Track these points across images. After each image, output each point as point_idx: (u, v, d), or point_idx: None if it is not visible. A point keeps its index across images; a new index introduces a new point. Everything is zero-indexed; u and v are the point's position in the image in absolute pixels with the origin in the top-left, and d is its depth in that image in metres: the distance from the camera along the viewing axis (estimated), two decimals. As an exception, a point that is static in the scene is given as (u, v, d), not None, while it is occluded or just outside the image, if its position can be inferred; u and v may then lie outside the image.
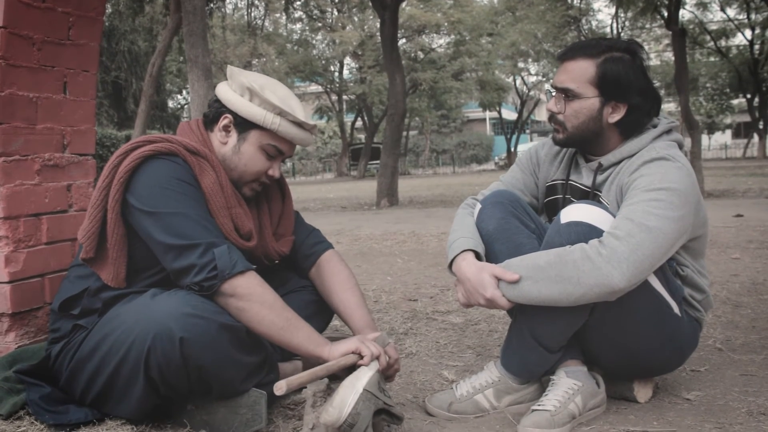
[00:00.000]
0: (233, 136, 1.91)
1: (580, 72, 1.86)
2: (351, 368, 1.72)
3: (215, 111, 1.92)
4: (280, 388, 1.58)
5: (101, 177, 1.79)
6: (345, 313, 2.01)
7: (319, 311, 2.11)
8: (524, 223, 1.92)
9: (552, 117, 1.94)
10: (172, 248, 1.70)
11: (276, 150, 1.92)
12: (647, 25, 23.97)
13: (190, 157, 1.81)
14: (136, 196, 1.74)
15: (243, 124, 1.89)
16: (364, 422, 1.59)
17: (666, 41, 25.26)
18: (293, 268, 2.15)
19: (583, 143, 1.94)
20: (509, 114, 39.80)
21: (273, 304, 1.73)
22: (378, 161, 17.41)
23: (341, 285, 2.05)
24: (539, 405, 1.78)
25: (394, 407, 1.72)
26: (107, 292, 1.80)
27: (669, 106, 34.33)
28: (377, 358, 1.74)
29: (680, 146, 1.89)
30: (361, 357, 1.73)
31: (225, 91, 1.91)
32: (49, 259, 2.18)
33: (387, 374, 1.84)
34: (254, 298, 1.71)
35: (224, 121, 1.90)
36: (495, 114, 37.49)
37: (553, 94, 1.92)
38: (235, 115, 1.89)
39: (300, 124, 1.90)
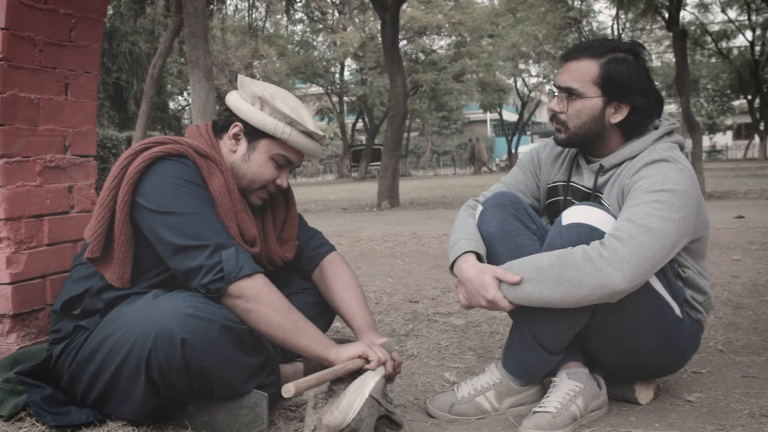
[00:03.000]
0: (243, 144, 1.91)
1: (584, 72, 1.87)
2: (355, 371, 1.72)
3: (225, 119, 1.93)
4: (288, 390, 1.57)
5: (109, 177, 1.79)
6: (347, 314, 2.00)
7: (322, 313, 2.11)
8: (525, 224, 1.92)
9: (554, 117, 1.94)
10: (180, 249, 1.70)
11: (285, 160, 1.93)
12: (648, 27, 23.97)
13: (200, 160, 1.82)
14: (145, 196, 1.74)
15: (253, 133, 1.90)
16: (367, 429, 1.59)
17: (667, 42, 25.24)
18: (296, 270, 2.15)
19: (585, 143, 1.94)
20: (510, 115, 39.80)
21: (280, 306, 1.73)
22: (379, 163, 17.39)
23: (344, 286, 2.05)
24: (540, 407, 1.78)
25: (396, 414, 1.72)
26: (109, 293, 1.80)
27: (670, 107, 34.28)
28: (384, 363, 1.74)
29: (681, 148, 1.89)
30: (368, 362, 1.73)
31: (236, 100, 1.92)
32: (50, 260, 2.19)
33: (388, 376, 1.83)
34: (261, 300, 1.71)
35: (234, 129, 1.91)
36: (496, 115, 37.49)
37: (556, 93, 1.92)
38: (245, 123, 1.90)
39: (310, 134, 1.91)
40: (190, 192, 1.75)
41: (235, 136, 1.92)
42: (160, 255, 1.76)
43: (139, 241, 1.79)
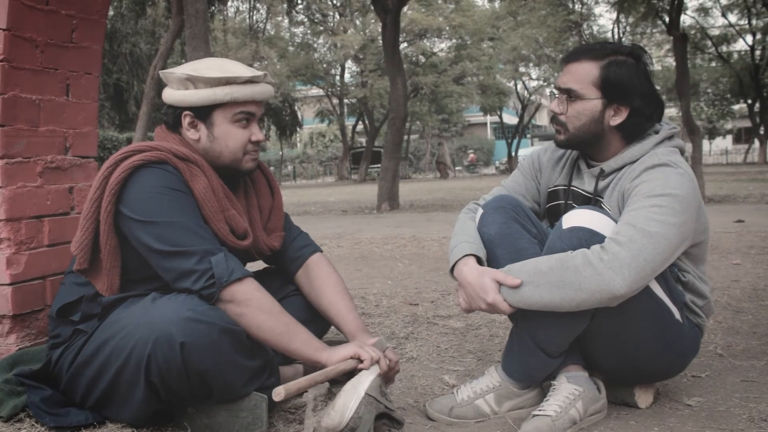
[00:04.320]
0: (201, 127, 1.89)
1: (584, 73, 1.87)
2: (350, 373, 1.73)
3: (173, 115, 1.91)
4: (278, 394, 1.58)
5: (92, 188, 1.80)
6: (337, 317, 2.00)
7: (318, 315, 2.11)
8: (526, 228, 1.92)
9: (554, 118, 1.95)
10: (168, 256, 1.70)
11: (245, 115, 1.90)
12: (648, 31, 23.99)
13: (180, 164, 1.81)
14: (129, 206, 1.74)
15: (203, 112, 1.87)
16: (366, 426, 1.59)
17: (667, 46, 25.26)
18: (279, 271, 2.14)
19: (584, 146, 1.94)
20: (510, 118, 39.82)
21: (271, 310, 1.73)
22: (379, 165, 17.40)
23: (331, 289, 2.03)
24: (540, 410, 1.78)
25: (395, 411, 1.72)
26: (105, 297, 1.80)
27: (670, 111, 34.23)
28: (377, 362, 1.74)
29: (682, 152, 1.89)
30: (361, 361, 1.73)
31: (171, 94, 1.90)
32: (50, 261, 2.19)
33: (387, 376, 1.83)
34: (252, 304, 1.71)
35: (186, 119, 1.89)
36: (496, 118, 37.51)
37: (557, 95, 1.93)
38: (191, 108, 1.87)
39: (251, 81, 1.88)
40: (172, 199, 1.75)
41: (191, 125, 1.89)
42: (148, 263, 1.77)
43: (126, 250, 1.80)
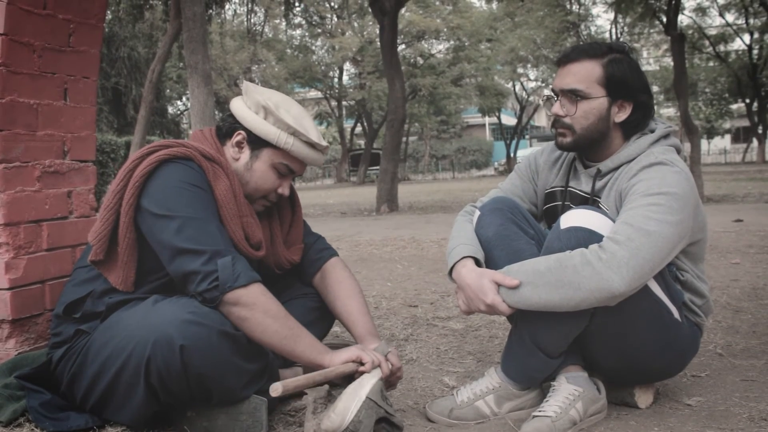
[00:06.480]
0: (246, 152, 1.92)
1: (587, 73, 1.87)
2: (351, 376, 1.73)
3: (229, 126, 1.93)
4: (275, 389, 1.59)
5: (116, 180, 1.80)
6: (348, 320, 2.01)
7: (321, 318, 2.11)
8: (523, 229, 1.92)
9: (557, 121, 1.93)
10: (178, 252, 1.70)
11: (287, 169, 1.93)
12: (646, 31, 24.03)
13: (205, 163, 1.82)
14: (149, 199, 1.74)
15: (256, 142, 1.90)
16: (366, 430, 1.59)
17: (665, 46, 25.32)
18: (297, 274, 2.15)
19: (590, 145, 1.93)
20: (509, 119, 39.87)
21: (277, 314, 1.73)
22: (378, 167, 17.41)
23: (345, 292, 2.05)
24: (540, 411, 1.78)
25: (395, 416, 1.72)
26: (112, 297, 1.80)
27: (668, 111, 34.35)
28: (379, 366, 1.74)
29: (678, 151, 1.90)
30: (362, 365, 1.73)
31: (239, 107, 1.92)
32: (49, 265, 2.18)
33: (390, 381, 1.84)
34: (258, 307, 1.71)
35: (237, 137, 1.91)
36: (494, 119, 37.56)
37: (557, 99, 1.92)
38: (248, 132, 1.90)
39: (313, 145, 1.92)
40: (194, 196, 1.75)
41: (238, 144, 1.92)
42: (161, 258, 1.76)
43: (143, 245, 1.79)
